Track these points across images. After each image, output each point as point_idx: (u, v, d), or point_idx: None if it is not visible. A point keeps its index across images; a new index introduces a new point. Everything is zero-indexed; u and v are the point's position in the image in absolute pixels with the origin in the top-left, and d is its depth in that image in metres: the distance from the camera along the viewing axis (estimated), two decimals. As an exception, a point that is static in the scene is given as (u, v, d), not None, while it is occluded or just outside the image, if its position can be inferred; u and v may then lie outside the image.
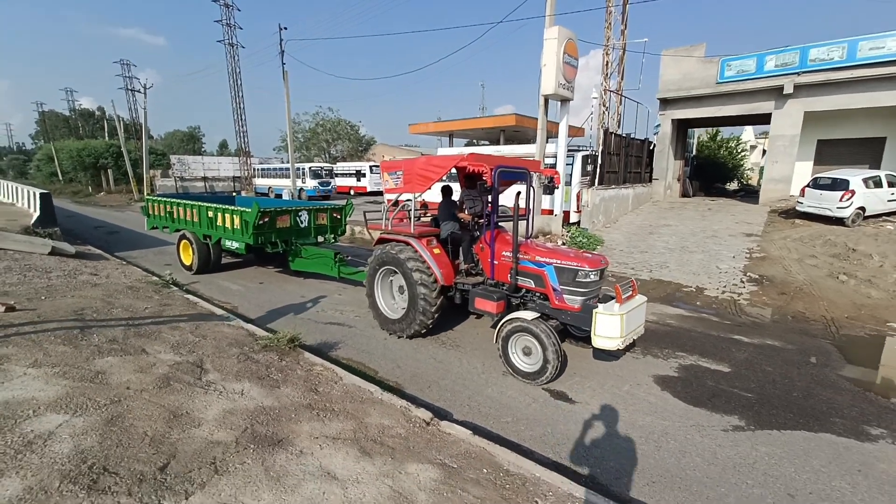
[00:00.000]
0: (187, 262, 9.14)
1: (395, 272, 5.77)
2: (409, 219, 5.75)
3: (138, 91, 37.78)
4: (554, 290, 4.74)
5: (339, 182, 32.29)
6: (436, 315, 5.46)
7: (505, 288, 5.18)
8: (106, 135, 49.81)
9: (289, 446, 2.83)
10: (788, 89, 14.39)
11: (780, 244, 10.92)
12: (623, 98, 17.75)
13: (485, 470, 2.85)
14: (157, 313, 5.57)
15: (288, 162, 32.70)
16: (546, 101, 11.85)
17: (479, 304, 5.15)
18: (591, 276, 4.61)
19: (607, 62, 17.53)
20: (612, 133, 15.19)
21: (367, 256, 8.72)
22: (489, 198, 6.37)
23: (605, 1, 16.90)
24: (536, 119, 23.18)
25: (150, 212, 10.06)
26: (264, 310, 6.90)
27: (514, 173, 5.26)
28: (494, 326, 4.87)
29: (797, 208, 13.03)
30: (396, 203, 6.08)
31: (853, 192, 11.61)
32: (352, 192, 32.45)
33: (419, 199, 6.26)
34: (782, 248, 10.54)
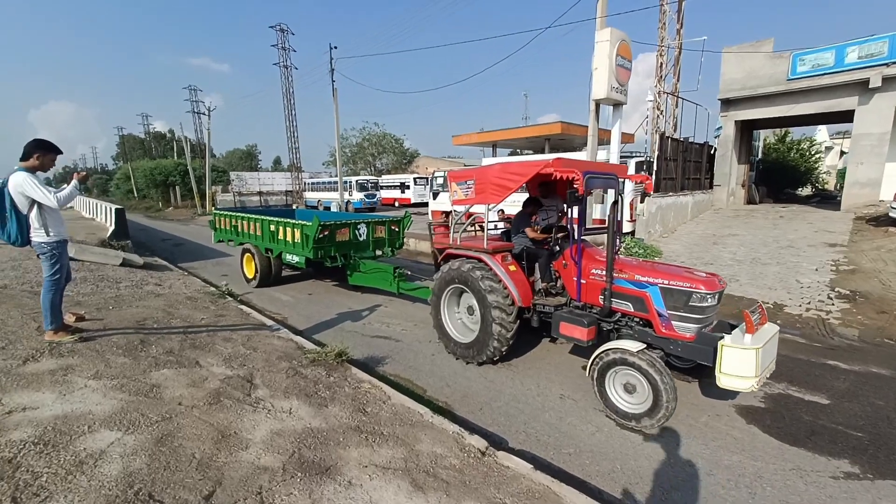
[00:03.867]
0: (250, 275, 9.21)
1: (465, 291, 5.26)
2: (483, 232, 5.27)
3: (203, 114, 40.84)
4: (659, 315, 4.07)
5: (384, 194, 33.03)
6: (511, 341, 4.92)
7: (595, 311, 4.56)
8: (175, 155, 54.21)
9: (337, 475, 2.64)
10: (876, 82, 12.93)
11: (873, 255, 9.66)
12: (679, 100, 16.75)
13: (551, 514, 2.51)
14: (212, 323, 5.69)
15: (335, 176, 33.94)
16: (597, 106, 11.32)
17: (564, 330, 4.49)
18: (709, 301, 3.89)
19: (661, 63, 16.66)
20: (668, 137, 14.33)
21: (421, 270, 8.70)
22: (563, 208, 5.77)
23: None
24: (583, 126, 22.45)
25: (217, 225, 10.22)
26: (312, 321, 6.91)
27: (604, 180, 4.66)
28: (579, 354, 4.30)
29: (890, 214, 11.56)
30: (470, 216, 5.61)
31: (962, 196, 10.13)
32: (396, 204, 33.04)
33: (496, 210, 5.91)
34: (876, 260, 9.30)
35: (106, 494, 2.24)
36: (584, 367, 5.23)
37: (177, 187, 41.05)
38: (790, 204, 18.24)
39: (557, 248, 5.05)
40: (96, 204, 18.66)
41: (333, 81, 23.85)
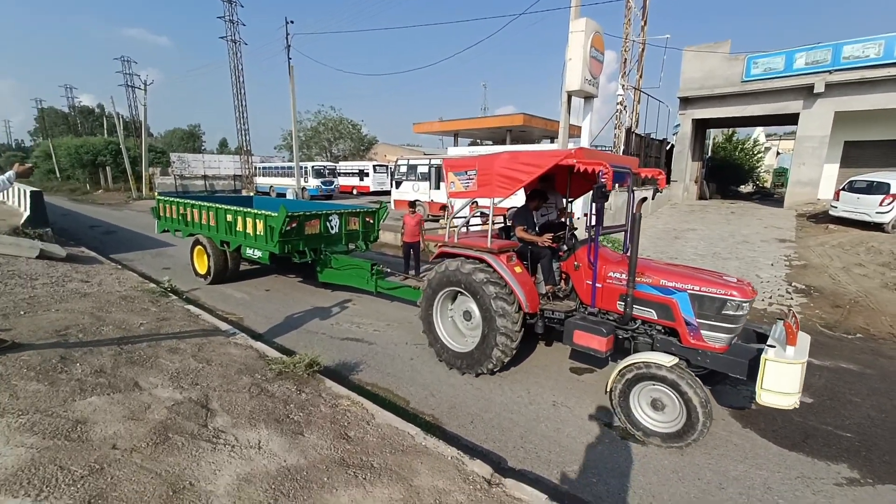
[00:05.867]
0: (202, 271, 8.25)
1: (464, 294, 4.75)
2: (488, 230, 4.71)
3: (138, 88, 37.04)
4: (688, 323, 3.74)
5: (343, 181, 31.78)
6: (514, 351, 4.50)
7: (612, 318, 4.20)
8: (105, 132, 49.07)
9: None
10: (819, 88, 13.74)
11: (819, 251, 10.26)
12: (641, 96, 17.08)
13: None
14: (154, 330, 4.88)
15: (290, 161, 32.10)
16: (570, 98, 11.17)
17: (579, 339, 4.06)
18: (744, 308, 3.59)
19: (626, 59, 16.86)
20: (634, 133, 14.55)
21: (389, 263, 8.09)
22: (562, 204, 5.41)
23: (624, -5, 16.25)
24: (544, 119, 22.51)
25: (162, 213, 9.07)
26: (273, 322, 6.23)
27: (623, 174, 4.25)
28: (615, 370, 3.78)
29: (831, 213, 12.38)
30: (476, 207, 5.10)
31: (894, 197, 10.97)
32: (354, 192, 31.91)
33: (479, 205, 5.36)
34: (822, 256, 9.88)
35: None
36: (575, 371, 5.03)
37: (108, 168, 37.16)
38: (737, 200, 19.32)
39: (566, 247, 4.64)
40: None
41: (290, 58, 22.27)
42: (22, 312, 4.84)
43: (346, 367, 4.88)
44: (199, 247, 8.22)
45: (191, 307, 6.23)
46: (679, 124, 17.25)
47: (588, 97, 11.29)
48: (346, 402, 3.67)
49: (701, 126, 18.53)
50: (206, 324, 5.51)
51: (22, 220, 10.65)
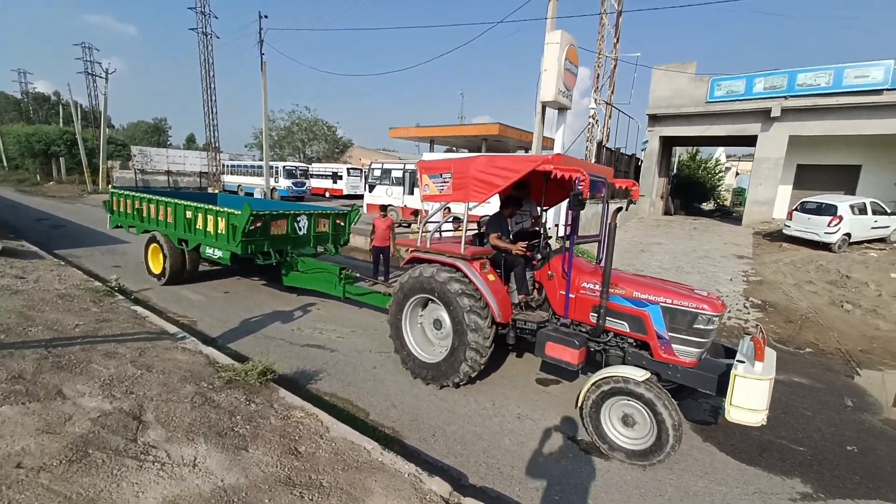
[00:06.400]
0: (156, 270, 7.78)
1: (434, 302, 4.60)
2: (462, 236, 4.60)
3: (99, 76, 35.12)
4: (659, 337, 3.72)
5: (315, 183, 31.14)
6: (483, 365, 4.38)
7: (584, 330, 4.15)
8: (61, 121, 46.20)
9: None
10: (776, 112, 14.51)
11: (774, 268, 10.73)
12: (612, 112, 17.58)
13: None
14: (90, 332, 4.48)
15: (260, 160, 31.19)
16: (544, 108, 11.31)
17: (551, 351, 4.00)
18: (714, 322, 3.58)
19: (599, 74, 17.33)
20: (605, 147, 14.90)
21: (357, 268, 7.82)
22: (537, 212, 5.30)
23: (600, 10, 16.75)
24: (519, 130, 22.81)
25: (115, 207, 8.53)
26: (228, 326, 5.89)
27: (599, 182, 4.22)
28: (586, 384, 3.70)
29: (784, 231, 13.01)
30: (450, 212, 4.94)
31: (841, 218, 11.64)
32: (327, 195, 31.28)
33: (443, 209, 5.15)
34: (776, 273, 10.32)
35: None
36: (541, 382, 4.96)
37: (61, 159, 34.99)
38: (699, 217, 20.08)
39: (539, 256, 4.54)
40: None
41: (262, 54, 21.70)
42: (-63, 310, 4.35)
43: (304, 376, 4.63)
44: (154, 245, 7.71)
45: (138, 308, 5.81)
46: (647, 140, 17.83)
47: (562, 109, 11.47)
48: (299, 413, 3.44)
49: (668, 143, 19.23)
50: (152, 326, 5.13)
51: (-47, 210, 9.76)
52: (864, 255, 11.53)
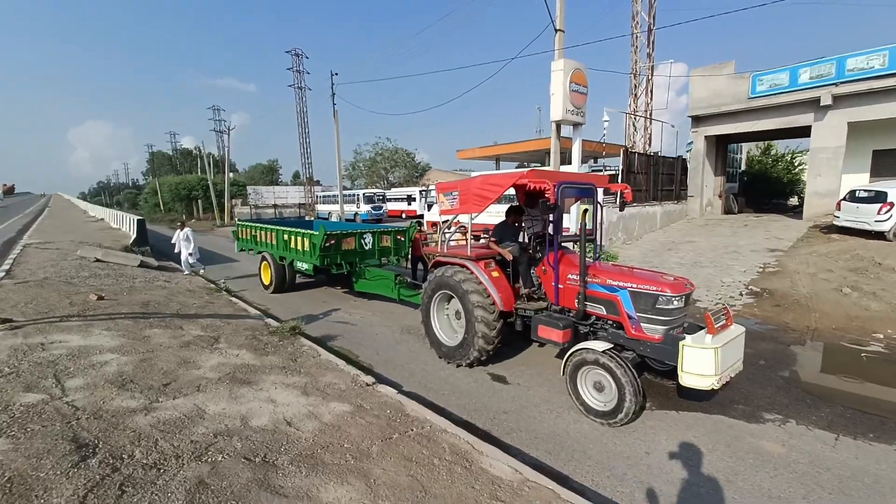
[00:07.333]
0: (266, 282, 9.76)
1: (452, 296, 5.48)
2: (467, 241, 5.55)
3: (224, 132, 43.72)
4: (629, 317, 4.22)
5: (392, 206, 34.57)
6: (496, 342, 5.11)
7: (572, 315, 4.73)
8: (199, 171, 57.51)
9: (253, 385, 4.04)
10: (826, 101, 13.82)
11: (803, 259, 10.56)
12: (652, 118, 17.87)
13: (388, 411, 3.82)
14: (201, 308, 7.19)
15: (351, 189, 35.97)
16: (558, 126, 12.65)
17: (542, 333, 4.66)
18: (675, 303, 4.04)
19: (635, 84, 17.87)
20: (634, 152, 15.49)
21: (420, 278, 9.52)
22: (551, 217, 5.62)
23: (631, 28, 17.47)
24: (587, 141, 23.76)
25: (240, 235, 10.87)
26: (291, 313, 8.16)
27: (579, 189, 4.97)
28: (561, 357, 4.50)
29: (834, 223, 12.38)
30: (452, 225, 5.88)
31: (892, 205, 10.94)
32: (403, 216, 34.54)
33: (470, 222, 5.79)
34: (802, 263, 10.22)
35: (105, 377, 3.72)
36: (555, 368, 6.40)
37: (199, 201, 43.84)
38: (767, 214, 18.94)
39: (539, 254, 5.33)
40: (121, 216, 20.86)
41: (334, 105, 25.89)
42: (125, 293, 7.43)
43: (327, 337, 6.69)
44: (264, 262, 9.86)
45: (233, 299, 8.55)
46: (692, 141, 17.70)
47: (574, 124, 12.69)
48: (307, 348, 5.55)
49: (721, 142, 18.70)
50: (239, 309, 7.74)
51: (130, 241, 14.18)
52: (924, 242, 10.67)
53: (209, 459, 2.86)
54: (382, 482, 2.80)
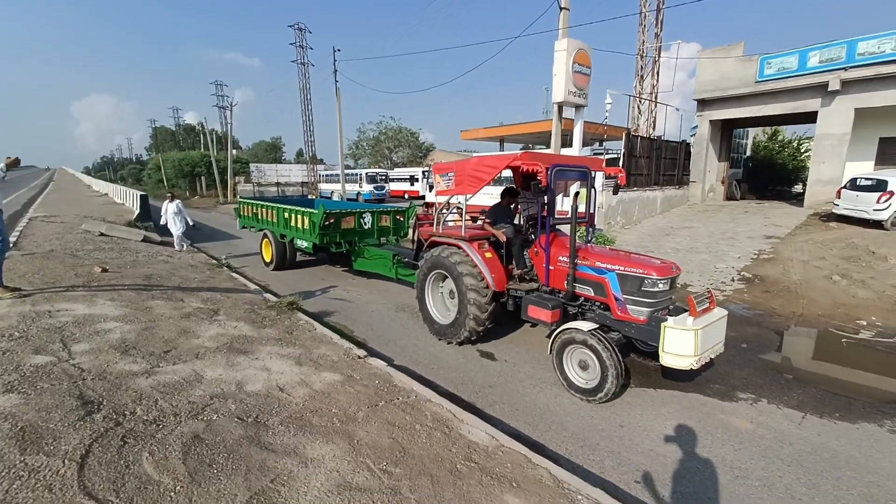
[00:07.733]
0: (267, 259, 9.91)
1: (446, 276, 5.58)
2: (462, 222, 5.63)
3: (226, 108, 43.41)
4: (616, 299, 4.31)
5: (394, 186, 34.48)
6: (487, 322, 5.26)
7: (561, 296, 4.82)
8: (202, 147, 57.34)
9: (249, 354, 4.25)
10: (835, 85, 13.61)
11: (798, 246, 10.63)
12: (658, 99, 17.64)
13: (376, 382, 4.03)
14: (202, 281, 7.40)
15: (354, 168, 35.89)
16: (560, 107, 12.56)
17: (532, 313, 4.80)
18: (660, 286, 4.12)
19: (642, 66, 17.58)
20: (637, 136, 15.37)
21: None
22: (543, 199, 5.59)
23: (640, 5, 17.07)
24: (591, 123, 23.62)
25: (241, 213, 10.99)
26: (291, 289, 8.39)
27: (572, 172, 4.96)
28: (550, 336, 4.58)
29: (834, 211, 12.38)
30: (449, 205, 5.93)
31: (892, 194, 10.92)
32: (406, 196, 34.53)
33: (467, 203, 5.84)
34: (796, 251, 10.29)
35: (109, 343, 3.96)
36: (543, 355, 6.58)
37: (202, 178, 43.88)
38: (769, 201, 18.86)
39: (532, 236, 5.39)
40: (125, 191, 21.03)
41: (336, 82, 25.59)
42: (128, 266, 7.64)
43: (324, 313, 6.91)
44: (265, 240, 9.99)
45: (234, 274, 8.76)
46: (696, 126, 17.52)
47: (577, 106, 12.59)
48: (303, 322, 5.75)
49: (726, 127, 18.48)
50: (239, 284, 7.95)
51: (134, 216, 14.37)
52: (922, 232, 10.69)
53: (205, 418, 3.07)
54: (365, 443, 3.01)
